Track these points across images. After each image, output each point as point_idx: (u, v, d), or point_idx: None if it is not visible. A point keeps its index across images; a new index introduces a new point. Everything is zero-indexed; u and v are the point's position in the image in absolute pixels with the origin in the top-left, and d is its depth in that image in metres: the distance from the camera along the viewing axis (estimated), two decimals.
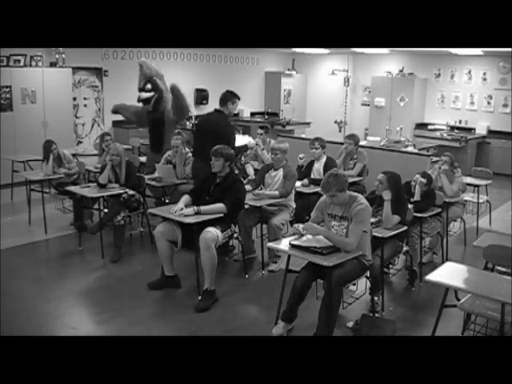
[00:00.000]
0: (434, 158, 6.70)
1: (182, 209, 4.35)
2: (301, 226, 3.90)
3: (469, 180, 6.37)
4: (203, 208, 4.37)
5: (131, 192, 5.44)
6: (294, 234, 3.92)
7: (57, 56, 8.59)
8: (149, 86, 6.93)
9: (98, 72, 9.51)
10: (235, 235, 4.72)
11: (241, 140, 6.99)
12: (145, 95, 6.98)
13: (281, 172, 5.22)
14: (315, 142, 5.93)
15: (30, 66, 8.32)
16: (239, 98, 5.59)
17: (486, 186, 6.63)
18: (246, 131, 10.87)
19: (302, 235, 3.79)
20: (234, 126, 6.05)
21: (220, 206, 4.41)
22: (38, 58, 8.38)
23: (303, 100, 13.02)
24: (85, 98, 9.38)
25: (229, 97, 5.53)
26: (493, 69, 10.34)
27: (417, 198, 4.82)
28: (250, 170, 6.47)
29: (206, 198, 4.53)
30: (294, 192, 5.39)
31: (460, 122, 10.83)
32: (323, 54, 12.32)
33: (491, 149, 10.27)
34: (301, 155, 6.10)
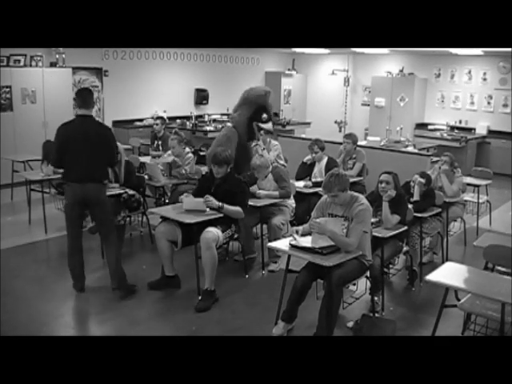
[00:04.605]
0: (434, 158, 6.71)
1: (207, 197, 4.37)
2: (300, 228, 3.90)
3: (469, 180, 6.37)
4: (226, 207, 4.39)
5: (131, 192, 5.43)
6: (291, 235, 3.93)
7: (57, 56, 8.59)
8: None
9: (98, 72, 9.51)
10: (235, 235, 4.71)
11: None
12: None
13: (270, 176, 5.22)
14: (313, 146, 5.92)
15: (30, 65, 8.32)
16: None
17: (486, 186, 6.63)
18: None
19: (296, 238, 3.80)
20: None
21: (239, 210, 4.45)
22: (38, 58, 8.38)
23: (303, 100, 13.03)
24: None
25: (90, 95, 4.41)
26: (493, 69, 10.34)
27: (416, 197, 4.83)
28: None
29: None
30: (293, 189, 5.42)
31: (460, 121, 10.83)
32: (323, 53, 12.32)
33: (491, 149, 10.27)
34: (308, 157, 6.07)
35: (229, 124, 5.79)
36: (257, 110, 5.66)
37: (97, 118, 9.34)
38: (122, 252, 5.28)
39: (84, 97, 4.30)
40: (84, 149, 4.21)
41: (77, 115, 4.33)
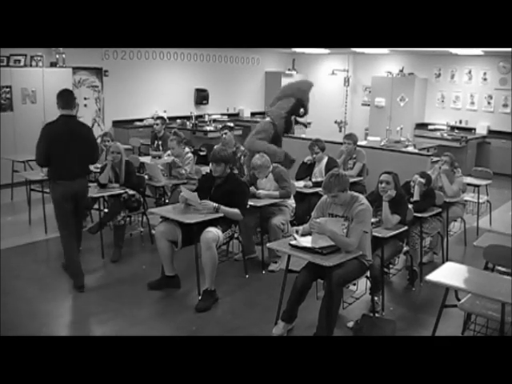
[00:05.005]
0: (434, 158, 6.71)
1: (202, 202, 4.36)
2: (300, 228, 3.90)
3: (469, 180, 6.37)
4: (222, 208, 4.37)
5: (131, 192, 5.44)
6: (291, 235, 3.93)
7: (57, 56, 8.59)
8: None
9: (98, 72, 9.51)
10: (235, 235, 4.71)
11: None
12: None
13: (270, 176, 5.22)
14: (314, 146, 5.92)
15: (30, 65, 8.32)
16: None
17: (486, 185, 6.63)
18: (246, 131, 10.87)
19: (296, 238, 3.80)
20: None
21: (237, 212, 4.43)
22: (38, 58, 8.38)
23: None
24: (85, 98, 9.38)
25: (72, 96, 4.56)
26: (493, 69, 10.34)
27: (416, 197, 4.83)
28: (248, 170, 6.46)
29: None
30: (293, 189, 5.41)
31: (460, 121, 10.83)
32: (323, 53, 12.32)
33: (491, 149, 10.27)
34: (309, 157, 6.07)
35: (267, 118, 6.18)
36: (295, 105, 6.05)
37: (97, 118, 9.52)
38: (121, 252, 5.31)
39: (66, 98, 4.48)
40: (70, 147, 4.41)
41: (60, 115, 4.46)
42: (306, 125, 6.51)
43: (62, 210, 4.49)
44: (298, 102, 6.09)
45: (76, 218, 4.67)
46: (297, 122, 6.19)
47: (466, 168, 7.84)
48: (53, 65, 8.63)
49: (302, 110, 6.09)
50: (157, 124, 7.51)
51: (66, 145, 4.39)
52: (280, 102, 6.17)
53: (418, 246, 4.81)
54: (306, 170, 6.00)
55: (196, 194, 4.46)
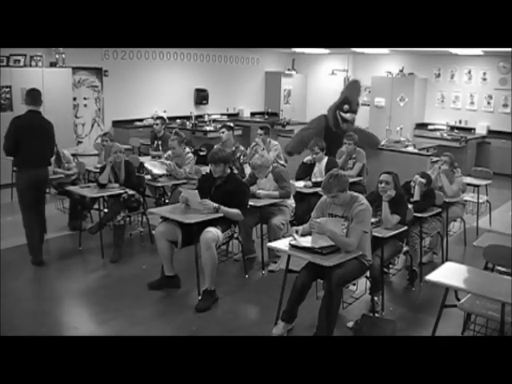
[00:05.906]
0: (434, 158, 6.71)
1: (203, 201, 4.37)
2: (300, 228, 3.90)
3: (469, 180, 6.37)
4: (223, 208, 4.37)
5: (131, 192, 5.44)
6: (290, 236, 3.93)
7: (57, 56, 8.58)
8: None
9: (98, 72, 9.51)
10: (235, 235, 4.71)
11: None
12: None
13: (270, 176, 5.22)
14: (314, 147, 5.92)
15: (30, 65, 8.32)
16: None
17: (486, 186, 6.63)
18: (246, 131, 10.88)
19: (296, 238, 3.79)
20: None
21: (238, 212, 4.43)
22: (38, 58, 8.37)
23: (303, 100, 13.02)
24: (85, 98, 9.38)
25: (39, 94, 5.04)
26: (493, 69, 10.34)
27: (416, 198, 4.83)
28: (248, 170, 6.46)
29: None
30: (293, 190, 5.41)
31: (460, 122, 10.83)
32: (323, 53, 12.32)
33: (491, 149, 10.27)
34: (309, 157, 6.08)
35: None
36: (342, 100, 6.62)
37: (97, 118, 9.52)
38: (121, 252, 5.31)
39: (34, 95, 4.98)
40: (35, 139, 4.89)
41: (28, 111, 4.93)
42: (352, 122, 6.80)
43: (25, 195, 5.03)
44: (344, 98, 6.65)
45: (38, 203, 5.16)
46: (344, 119, 6.63)
47: (466, 168, 7.83)
48: (53, 65, 8.63)
49: (346, 106, 6.56)
50: (156, 124, 7.51)
51: (31, 137, 4.86)
52: (337, 99, 6.89)
53: (417, 246, 4.81)
54: (305, 170, 6.00)
55: (197, 191, 4.47)
